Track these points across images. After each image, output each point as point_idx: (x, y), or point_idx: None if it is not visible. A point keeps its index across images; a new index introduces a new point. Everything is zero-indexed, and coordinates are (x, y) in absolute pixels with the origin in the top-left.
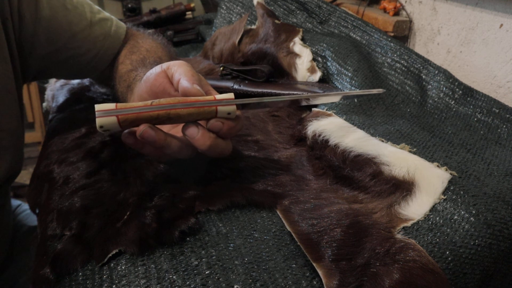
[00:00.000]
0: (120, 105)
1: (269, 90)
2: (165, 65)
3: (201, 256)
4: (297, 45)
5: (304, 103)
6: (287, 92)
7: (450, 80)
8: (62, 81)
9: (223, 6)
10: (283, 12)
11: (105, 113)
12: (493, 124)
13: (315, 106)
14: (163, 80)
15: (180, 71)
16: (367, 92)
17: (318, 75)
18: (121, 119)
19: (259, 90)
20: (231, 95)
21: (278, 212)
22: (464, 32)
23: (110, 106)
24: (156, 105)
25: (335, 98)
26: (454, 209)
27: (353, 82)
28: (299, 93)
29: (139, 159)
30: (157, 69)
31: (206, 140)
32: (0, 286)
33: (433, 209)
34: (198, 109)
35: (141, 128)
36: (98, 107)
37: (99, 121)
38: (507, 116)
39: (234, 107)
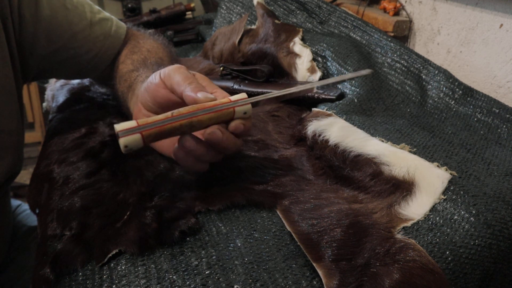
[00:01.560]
0: (140, 121)
1: (269, 90)
2: (162, 74)
3: (201, 256)
4: (297, 45)
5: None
6: None
7: (450, 80)
8: (62, 81)
9: (223, 6)
10: (283, 12)
11: (128, 131)
12: (493, 124)
13: (315, 106)
14: (164, 91)
15: (177, 81)
16: (356, 74)
17: (318, 75)
18: (145, 135)
19: (259, 90)
20: (244, 95)
21: (278, 212)
22: (464, 32)
23: (131, 124)
24: (177, 115)
25: (328, 82)
26: (454, 209)
27: (353, 82)
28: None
29: (139, 159)
30: (156, 78)
31: (231, 141)
32: (0, 286)
33: (433, 209)
34: (218, 113)
35: (210, 130)
36: (118, 127)
37: (123, 141)
38: (507, 116)
39: (250, 106)
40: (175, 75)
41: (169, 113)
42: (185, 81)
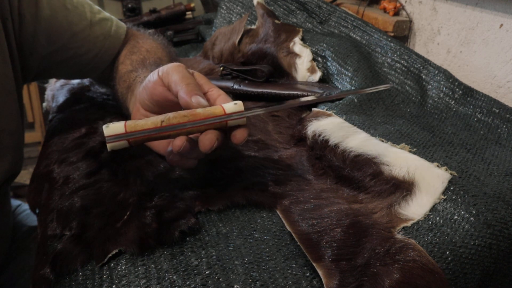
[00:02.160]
0: (129, 125)
1: (269, 90)
2: (160, 71)
3: (201, 256)
4: (297, 45)
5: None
6: (287, 92)
7: (450, 80)
8: (62, 81)
9: (223, 6)
10: (283, 12)
11: (115, 137)
12: (493, 124)
13: (315, 106)
14: (162, 89)
15: (175, 80)
16: (374, 89)
17: (318, 75)
18: (132, 141)
19: (259, 90)
20: (240, 107)
21: (278, 212)
22: (464, 32)
23: (120, 128)
24: (166, 126)
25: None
26: (454, 209)
27: (353, 82)
28: (299, 93)
29: (139, 159)
30: (154, 76)
31: (224, 143)
32: (0, 286)
33: (433, 209)
34: (208, 126)
35: (179, 144)
36: (107, 131)
37: (110, 146)
38: (507, 116)
39: (244, 119)
40: (173, 73)
41: (158, 121)
42: (182, 81)
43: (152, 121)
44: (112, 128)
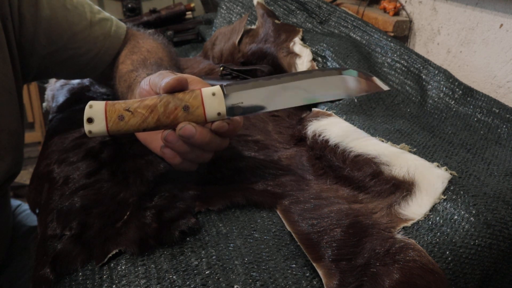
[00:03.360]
0: (111, 130)
1: None
2: (151, 82)
3: (201, 256)
4: (297, 45)
5: None
6: None
7: (450, 80)
8: (62, 81)
9: (223, 6)
10: (283, 12)
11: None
12: (493, 124)
13: (315, 106)
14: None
15: (157, 83)
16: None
17: None
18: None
19: None
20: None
21: (278, 212)
22: (464, 32)
23: (103, 131)
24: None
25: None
26: (454, 209)
27: None
28: None
29: (139, 159)
30: (146, 85)
31: (205, 138)
32: (0, 286)
33: (433, 209)
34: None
35: (181, 126)
36: (91, 135)
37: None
38: (507, 116)
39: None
40: (155, 79)
41: (140, 129)
42: (159, 79)
43: (134, 128)
44: (96, 133)
